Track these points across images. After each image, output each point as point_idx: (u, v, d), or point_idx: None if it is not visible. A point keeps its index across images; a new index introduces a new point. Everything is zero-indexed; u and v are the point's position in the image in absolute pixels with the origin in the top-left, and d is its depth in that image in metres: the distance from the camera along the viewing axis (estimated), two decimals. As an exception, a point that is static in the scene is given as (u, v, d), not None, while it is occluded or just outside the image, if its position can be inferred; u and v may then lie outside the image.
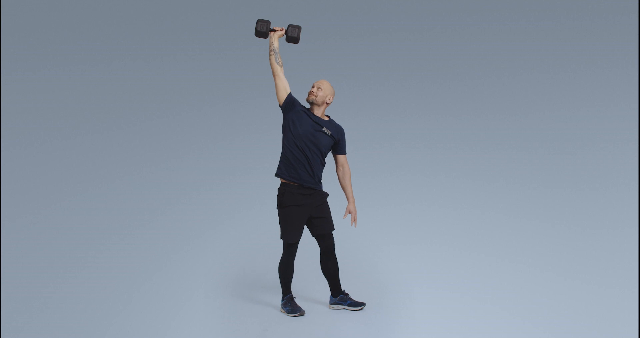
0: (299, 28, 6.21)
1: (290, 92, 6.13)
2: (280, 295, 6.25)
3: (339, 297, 6.26)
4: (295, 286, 6.43)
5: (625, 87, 11.00)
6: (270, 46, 6.15)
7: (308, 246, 6.62)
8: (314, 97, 6.10)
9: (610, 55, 11.77)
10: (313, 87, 6.13)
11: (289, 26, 6.22)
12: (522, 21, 12.50)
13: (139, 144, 10.00)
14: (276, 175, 6.11)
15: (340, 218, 6.50)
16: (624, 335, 5.80)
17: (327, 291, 6.37)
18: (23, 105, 10.85)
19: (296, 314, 6.12)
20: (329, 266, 6.23)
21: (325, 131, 6.09)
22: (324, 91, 6.11)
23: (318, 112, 6.12)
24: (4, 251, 7.17)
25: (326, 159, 6.27)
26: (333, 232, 6.25)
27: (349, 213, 6.21)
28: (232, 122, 10.60)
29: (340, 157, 6.21)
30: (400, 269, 6.92)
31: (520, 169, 9.15)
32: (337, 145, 6.17)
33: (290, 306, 6.16)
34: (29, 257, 7.14)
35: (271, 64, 6.14)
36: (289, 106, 6.09)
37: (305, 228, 6.30)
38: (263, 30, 6.18)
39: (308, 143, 6.04)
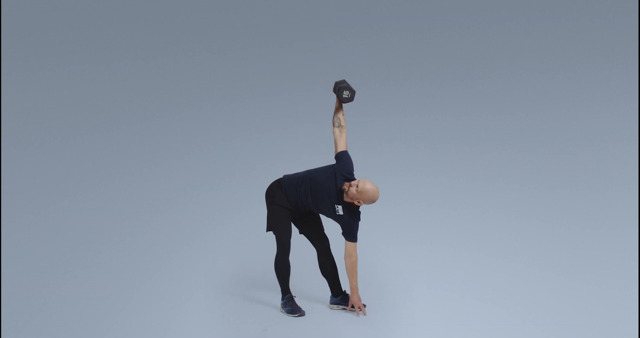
0: (343, 89, 6.08)
1: (340, 152, 6.02)
2: (280, 295, 6.24)
3: (339, 297, 6.26)
4: (295, 286, 6.43)
5: (625, 87, 10.99)
6: None
7: (307, 245, 6.62)
8: (345, 189, 5.90)
9: (610, 55, 11.77)
10: (356, 181, 5.89)
11: (339, 87, 6.10)
12: (522, 21, 12.51)
13: (139, 144, 9.99)
14: (284, 176, 6.13)
15: (331, 221, 6.48)
16: (624, 335, 5.80)
17: (327, 291, 6.36)
18: (23, 105, 10.84)
19: (296, 314, 6.12)
20: (327, 266, 6.23)
21: (337, 209, 5.95)
22: (358, 194, 5.85)
23: (346, 199, 5.93)
24: (4, 251, 7.17)
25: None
26: (330, 233, 6.25)
27: (352, 304, 6.14)
28: (232, 122, 10.59)
29: (347, 244, 6.00)
30: (400, 269, 6.92)
31: (520, 169, 9.15)
32: (342, 228, 6.02)
33: (290, 306, 6.16)
34: (29, 257, 7.14)
35: None
36: (337, 160, 6.04)
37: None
38: (334, 90, 6.17)
39: (314, 196, 5.99)
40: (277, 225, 6.10)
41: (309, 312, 6.17)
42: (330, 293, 6.32)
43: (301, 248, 6.64)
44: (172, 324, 6.03)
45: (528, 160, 9.39)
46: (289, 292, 6.20)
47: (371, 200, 5.89)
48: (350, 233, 6.00)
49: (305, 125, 10.26)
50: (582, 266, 6.93)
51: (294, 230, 6.27)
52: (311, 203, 6.02)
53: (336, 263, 6.28)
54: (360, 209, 6.02)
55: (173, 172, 9.22)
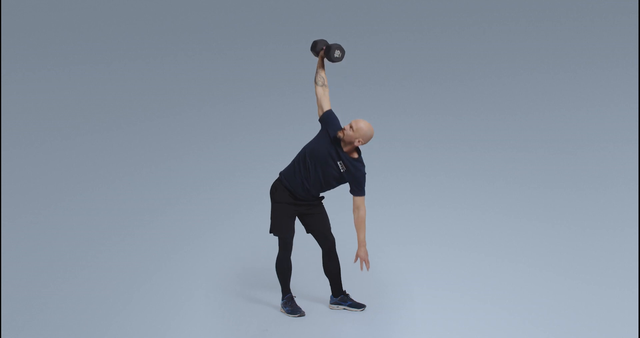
0: (335, 47, 6.09)
1: (326, 110, 6.03)
2: (280, 295, 6.24)
3: (339, 297, 6.26)
4: (296, 286, 6.43)
5: (625, 87, 11.00)
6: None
7: (308, 245, 6.62)
8: (341, 135, 5.93)
9: (610, 55, 11.78)
10: (349, 124, 5.94)
11: (330, 46, 6.11)
12: (522, 21, 12.51)
13: (139, 144, 10.00)
14: (280, 173, 6.11)
15: (336, 219, 6.48)
16: (624, 335, 5.80)
17: (327, 291, 6.37)
18: (23, 105, 10.85)
19: (296, 315, 6.12)
20: (331, 266, 6.22)
21: (340, 166, 5.99)
22: (355, 133, 5.89)
23: (344, 147, 5.97)
24: (4, 251, 7.18)
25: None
26: (336, 233, 6.24)
27: (358, 257, 6.13)
28: (232, 123, 10.60)
29: (356, 198, 6.00)
30: (400, 269, 6.92)
31: (520, 169, 9.15)
32: (350, 185, 6.01)
33: (291, 306, 6.15)
34: (29, 257, 7.14)
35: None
36: (324, 123, 6.00)
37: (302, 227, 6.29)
38: (315, 49, 6.15)
39: (316, 164, 5.98)
40: (279, 225, 6.09)
41: (309, 312, 6.17)
42: (330, 293, 6.31)
43: (302, 248, 6.64)
44: (172, 324, 6.03)
45: (528, 160, 9.39)
46: (290, 292, 6.20)
47: (369, 136, 5.93)
48: (359, 186, 5.98)
49: (306, 125, 10.25)
50: (582, 266, 6.93)
51: (301, 229, 6.25)
52: (315, 175, 5.96)
53: (340, 263, 6.28)
54: (365, 166, 6.02)
55: (173, 172, 9.23)
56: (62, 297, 6.42)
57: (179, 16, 12.74)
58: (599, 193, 8.50)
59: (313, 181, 5.99)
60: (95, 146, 9.86)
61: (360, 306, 6.22)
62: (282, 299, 6.19)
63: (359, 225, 6.03)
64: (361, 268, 6.12)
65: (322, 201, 6.20)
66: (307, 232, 6.22)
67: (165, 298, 6.43)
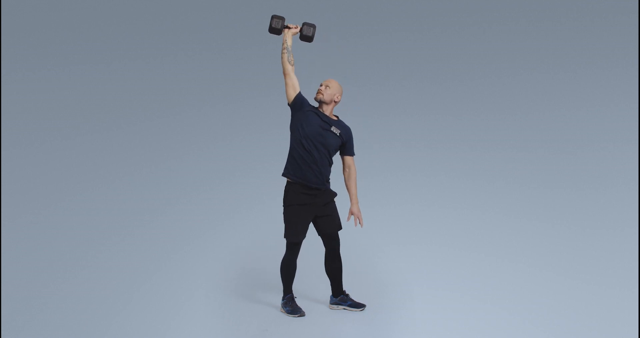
0: (313, 27, 6.17)
1: (299, 92, 6.09)
2: (281, 295, 6.24)
3: (339, 297, 6.26)
4: (296, 286, 6.43)
5: (625, 87, 10.99)
6: (283, 44, 6.13)
7: (310, 245, 6.62)
8: (321, 96, 6.06)
9: (610, 55, 11.77)
10: (321, 86, 6.10)
11: (303, 24, 6.18)
12: (522, 21, 12.50)
13: (139, 144, 10.00)
14: (283, 175, 6.10)
15: (346, 218, 6.49)
16: (624, 335, 5.80)
17: (327, 291, 6.37)
18: (23, 105, 10.85)
19: (296, 315, 6.12)
20: (333, 266, 6.22)
21: (334, 131, 6.06)
22: (331, 90, 6.08)
23: (327, 111, 6.10)
24: (4, 251, 7.18)
25: (334, 158, 6.23)
26: (341, 234, 6.24)
27: (352, 214, 6.20)
28: (232, 123, 10.60)
29: (348, 158, 6.17)
30: (400, 269, 6.92)
31: (520, 169, 9.15)
32: (345, 146, 6.13)
33: (291, 306, 6.15)
34: (29, 257, 7.14)
35: (282, 62, 6.11)
36: (298, 105, 6.06)
37: (312, 227, 6.29)
38: (277, 27, 6.16)
39: (316, 143, 6.01)
40: (294, 230, 6.06)
41: (309, 312, 6.17)
42: (330, 293, 6.31)
43: (304, 248, 6.64)
44: (172, 324, 6.03)
45: (528, 160, 9.39)
46: (291, 292, 6.20)
47: (341, 89, 6.17)
48: (351, 145, 6.17)
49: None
50: (582, 266, 6.93)
51: (312, 232, 6.23)
52: (318, 153, 6.00)
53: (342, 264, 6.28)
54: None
55: (173, 172, 9.22)
56: (62, 297, 6.42)
57: (179, 16, 12.73)
58: (599, 193, 8.50)
59: (320, 160, 6.01)
60: (95, 146, 9.86)
61: (360, 306, 6.22)
62: (283, 299, 6.19)
63: (351, 182, 6.17)
64: (355, 224, 6.15)
65: (335, 199, 6.19)
66: (319, 235, 6.21)
67: (165, 298, 6.43)
